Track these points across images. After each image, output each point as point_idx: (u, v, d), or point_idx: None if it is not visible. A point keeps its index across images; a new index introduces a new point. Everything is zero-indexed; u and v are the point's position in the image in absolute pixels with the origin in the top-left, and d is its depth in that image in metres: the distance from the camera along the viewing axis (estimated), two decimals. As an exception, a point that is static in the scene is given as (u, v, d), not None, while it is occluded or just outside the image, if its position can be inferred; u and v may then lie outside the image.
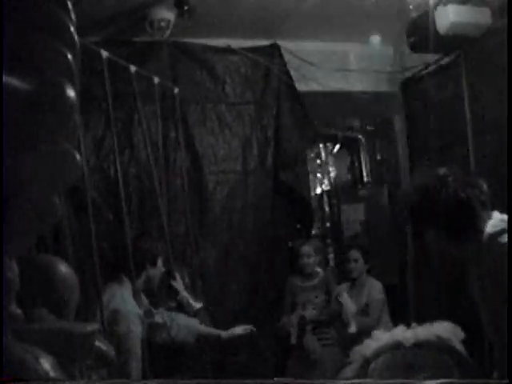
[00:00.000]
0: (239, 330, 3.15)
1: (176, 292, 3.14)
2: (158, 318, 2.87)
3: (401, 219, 2.22)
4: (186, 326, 2.97)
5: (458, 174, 1.90)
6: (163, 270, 2.94)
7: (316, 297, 3.84)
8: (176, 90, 3.63)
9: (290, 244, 4.07)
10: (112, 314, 2.53)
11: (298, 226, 4.30)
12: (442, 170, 1.92)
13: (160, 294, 3.12)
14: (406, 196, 2.03)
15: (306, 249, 3.87)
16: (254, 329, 3.21)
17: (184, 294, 3.15)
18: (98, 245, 3.46)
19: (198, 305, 3.16)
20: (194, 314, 3.13)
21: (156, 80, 3.39)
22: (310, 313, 3.77)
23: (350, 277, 3.94)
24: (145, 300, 2.87)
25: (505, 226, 1.80)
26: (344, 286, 3.89)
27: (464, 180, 1.87)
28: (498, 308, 1.70)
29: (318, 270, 3.96)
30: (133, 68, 3.17)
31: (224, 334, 3.10)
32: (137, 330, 2.54)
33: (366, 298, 3.82)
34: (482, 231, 1.82)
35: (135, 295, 2.73)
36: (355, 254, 3.94)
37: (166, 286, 3.16)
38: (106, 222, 3.51)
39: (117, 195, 3.56)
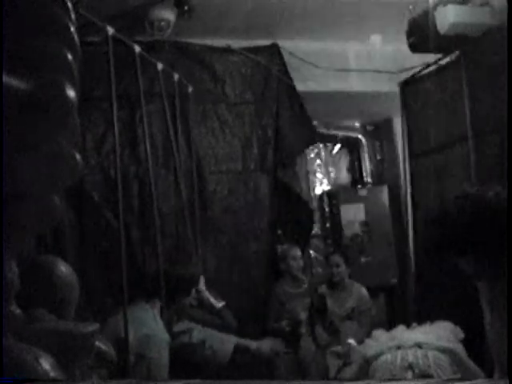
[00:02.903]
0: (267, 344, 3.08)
1: (197, 291, 3.12)
2: (191, 338, 2.80)
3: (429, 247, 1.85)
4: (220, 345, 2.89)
5: (485, 190, 1.69)
6: (195, 296, 2.91)
7: (305, 302, 3.90)
8: (190, 89, 3.63)
9: (279, 249, 4.05)
10: (144, 338, 2.48)
11: (279, 231, 4.27)
12: (465, 190, 1.70)
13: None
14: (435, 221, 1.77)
15: (294, 252, 3.93)
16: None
17: (206, 293, 3.13)
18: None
19: (219, 304, 3.13)
20: (216, 312, 3.11)
21: (176, 77, 3.39)
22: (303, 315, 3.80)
23: (332, 281, 4.01)
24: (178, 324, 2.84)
25: None
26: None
27: (482, 192, 1.68)
28: None
29: (303, 276, 4.04)
30: (160, 65, 3.16)
31: (254, 345, 3.01)
32: (166, 355, 2.52)
33: (353, 303, 3.90)
34: None
35: (167, 320, 2.70)
36: (337, 258, 4.04)
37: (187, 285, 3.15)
38: (109, 225, 3.51)
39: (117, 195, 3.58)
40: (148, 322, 2.55)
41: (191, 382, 1.11)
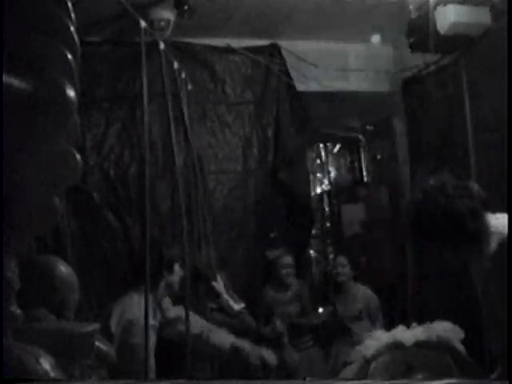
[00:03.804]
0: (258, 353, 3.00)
1: (217, 294, 3.10)
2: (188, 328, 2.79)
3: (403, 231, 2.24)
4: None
5: (446, 183, 1.90)
6: (182, 274, 2.90)
7: (292, 308, 3.87)
8: (190, 87, 3.63)
9: (270, 254, 3.99)
10: (127, 324, 2.52)
11: (272, 235, 4.22)
12: (429, 182, 1.94)
13: (202, 296, 3.10)
14: (406, 209, 2.05)
15: (286, 260, 3.87)
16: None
17: (225, 295, 3.11)
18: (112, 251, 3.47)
19: (238, 306, 3.11)
20: (236, 315, 3.09)
21: (183, 75, 3.38)
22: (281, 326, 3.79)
23: (336, 281, 4.01)
24: (170, 309, 2.83)
25: None
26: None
27: (447, 189, 1.87)
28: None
29: (293, 281, 3.98)
30: (176, 64, 3.14)
31: (247, 348, 2.93)
32: (152, 339, 2.54)
33: (360, 304, 3.92)
34: (478, 237, 1.83)
35: (154, 304, 2.68)
36: (342, 259, 4.06)
37: (207, 288, 3.13)
38: (109, 225, 3.51)
39: (118, 196, 3.58)
40: (131, 309, 2.57)
41: (178, 382, 1.11)
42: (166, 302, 2.84)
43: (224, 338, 2.88)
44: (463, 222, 1.81)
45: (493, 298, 1.84)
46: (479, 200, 1.86)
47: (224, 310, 3.10)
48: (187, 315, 2.57)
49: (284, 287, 3.88)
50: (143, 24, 2.46)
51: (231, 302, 3.10)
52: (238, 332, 3.00)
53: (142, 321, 2.48)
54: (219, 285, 3.14)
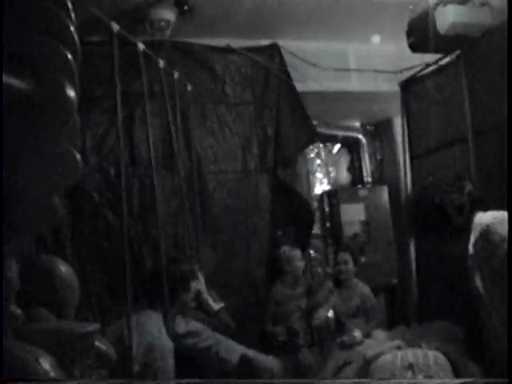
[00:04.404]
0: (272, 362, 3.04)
1: (197, 292, 3.10)
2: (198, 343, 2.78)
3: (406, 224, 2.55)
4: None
5: (442, 180, 2.16)
6: (196, 290, 2.88)
7: (301, 305, 3.91)
8: (189, 87, 3.62)
9: (282, 250, 4.02)
10: (149, 347, 2.45)
11: (280, 232, 4.24)
12: (429, 179, 2.15)
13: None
14: (406, 201, 2.35)
15: (298, 253, 3.95)
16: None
17: (205, 295, 3.11)
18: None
19: (217, 306, 3.11)
20: (215, 314, 3.09)
21: (176, 75, 3.37)
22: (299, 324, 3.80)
23: (338, 279, 4.02)
24: (182, 325, 2.81)
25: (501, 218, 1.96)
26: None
27: (442, 187, 2.13)
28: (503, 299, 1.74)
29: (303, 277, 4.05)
30: (161, 63, 3.13)
31: (259, 358, 2.95)
32: (171, 362, 2.50)
33: (358, 301, 3.92)
34: (460, 229, 2.06)
35: (168, 324, 2.66)
36: (345, 256, 4.03)
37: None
38: (108, 225, 3.50)
39: (118, 196, 3.57)
40: (152, 330, 2.53)
41: (191, 382, 1.11)
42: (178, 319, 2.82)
43: (233, 350, 2.88)
44: (450, 215, 2.06)
45: (476, 286, 1.92)
46: (469, 198, 2.10)
47: (203, 308, 3.09)
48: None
49: (296, 282, 3.94)
50: (115, 28, 2.46)
51: (210, 302, 3.10)
52: (217, 331, 3.00)
53: (164, 344, 2.48)
54: (200, 284, 3.14)
